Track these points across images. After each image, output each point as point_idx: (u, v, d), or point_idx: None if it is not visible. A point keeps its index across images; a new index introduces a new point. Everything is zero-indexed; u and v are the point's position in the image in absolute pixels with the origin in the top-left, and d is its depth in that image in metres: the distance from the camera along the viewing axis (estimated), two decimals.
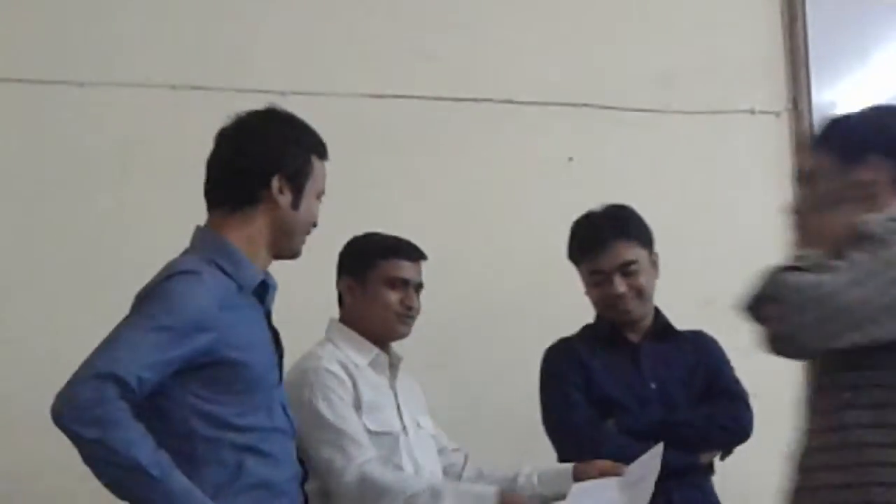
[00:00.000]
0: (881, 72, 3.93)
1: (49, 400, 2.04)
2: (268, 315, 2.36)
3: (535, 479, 2.80)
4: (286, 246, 2.36)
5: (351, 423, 2.70)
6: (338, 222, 3.34)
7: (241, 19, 3.50)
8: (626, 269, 3.02)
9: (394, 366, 2.92)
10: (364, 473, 2.63)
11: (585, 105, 3.64)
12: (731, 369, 3.10)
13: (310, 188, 2.37)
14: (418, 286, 2.92)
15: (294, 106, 3.34)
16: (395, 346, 2.94)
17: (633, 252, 3.03)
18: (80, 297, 3.19)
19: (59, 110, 3.34)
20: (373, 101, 3.50)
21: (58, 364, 3.06)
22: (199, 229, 2.33)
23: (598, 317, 3.11)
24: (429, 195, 3.49)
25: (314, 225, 2.41)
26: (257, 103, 2.43)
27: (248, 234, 2.30)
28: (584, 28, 3.73)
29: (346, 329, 2.89)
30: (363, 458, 2.66)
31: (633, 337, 3.07)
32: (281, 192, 2.32)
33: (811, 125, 3.83)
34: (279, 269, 2.39)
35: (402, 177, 3.50)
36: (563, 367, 3.03)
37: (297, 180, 2.34)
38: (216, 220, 2.32)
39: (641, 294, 3.04)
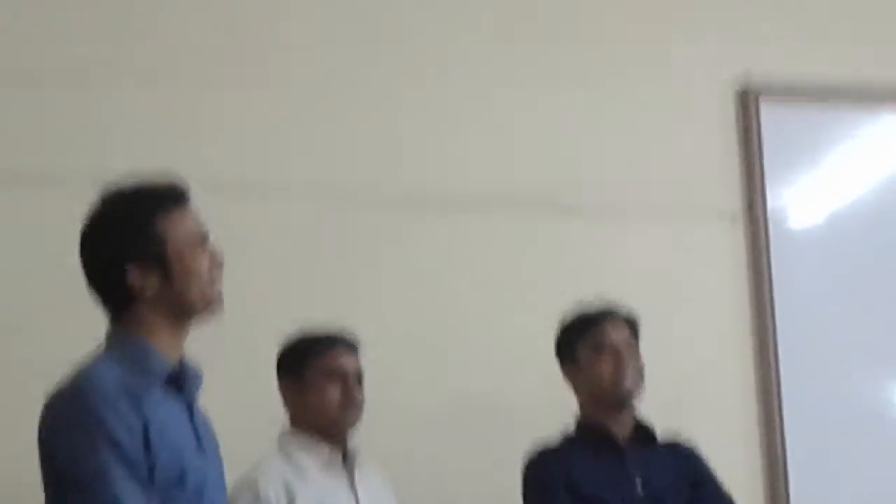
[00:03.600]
0: (831, 178, 4.04)
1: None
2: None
3: None
4: (190, 315, 2.11)
5: None
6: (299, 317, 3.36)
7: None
8: (629, 343, 3.05)
9: (349, 463, 2.82)
10: None
11: (542, 204, 3.70)
12: (715, 475, 3.10)
13: (175, 251, 2.07)
14: (358, 375, 2.84)
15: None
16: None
17: (630, 334, 3.08)
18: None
19: None
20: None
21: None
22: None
23: (581, 421, 3.08)
24: (395, 305, 3.51)
25: (214, 274, 2.11)
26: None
27: (147, 329, 2.07)
28: (543, 131, 3.79)
29: (296, 435, 2.82)
30: None
31: (620, 440, 3.03)
32: (145, 277, 2.06)
33: (766, 229, 3.91)
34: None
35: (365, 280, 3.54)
36: (548, 471, 2.99)
37: (153, 257, 2.06)
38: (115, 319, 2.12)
39: (641, 374, 3.04)
